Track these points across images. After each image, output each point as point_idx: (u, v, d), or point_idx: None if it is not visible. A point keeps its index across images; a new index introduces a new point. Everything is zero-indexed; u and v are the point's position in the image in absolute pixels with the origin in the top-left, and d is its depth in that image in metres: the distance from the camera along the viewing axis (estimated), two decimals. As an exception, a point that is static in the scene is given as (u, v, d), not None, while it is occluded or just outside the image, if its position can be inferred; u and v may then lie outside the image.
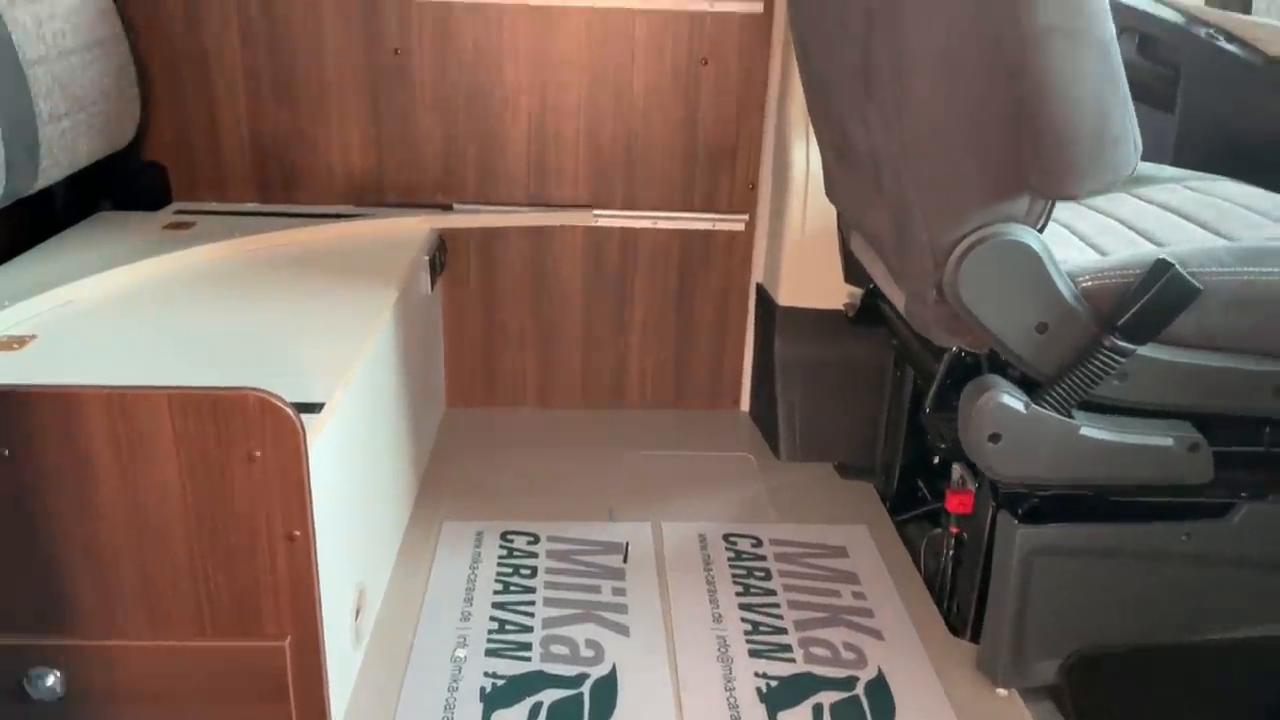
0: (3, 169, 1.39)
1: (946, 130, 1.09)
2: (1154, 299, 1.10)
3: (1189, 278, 1.09)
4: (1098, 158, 1.02)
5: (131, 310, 1.46)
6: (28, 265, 1.58)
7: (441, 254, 1.94)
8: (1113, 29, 0.99)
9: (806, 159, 1.85)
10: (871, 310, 1.70)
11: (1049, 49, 0.98)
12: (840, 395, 1.92)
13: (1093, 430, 1.17)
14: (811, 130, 1.64)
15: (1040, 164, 1.04)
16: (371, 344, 1.42)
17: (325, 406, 1.17)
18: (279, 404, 1.02)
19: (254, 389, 1.02)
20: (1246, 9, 1.93)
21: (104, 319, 1.42)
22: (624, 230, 2.03)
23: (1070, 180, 1.04)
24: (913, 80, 1.08)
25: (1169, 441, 1.19)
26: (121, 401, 1.01)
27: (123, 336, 1.37)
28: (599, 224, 2.02)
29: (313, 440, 1.07)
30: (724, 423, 2.12)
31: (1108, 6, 0.99)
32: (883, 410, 1.80)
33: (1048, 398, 1.16)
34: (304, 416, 1.06)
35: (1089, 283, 1.13)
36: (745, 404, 2.16)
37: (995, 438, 1.17)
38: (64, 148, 1.57)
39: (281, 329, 1.42)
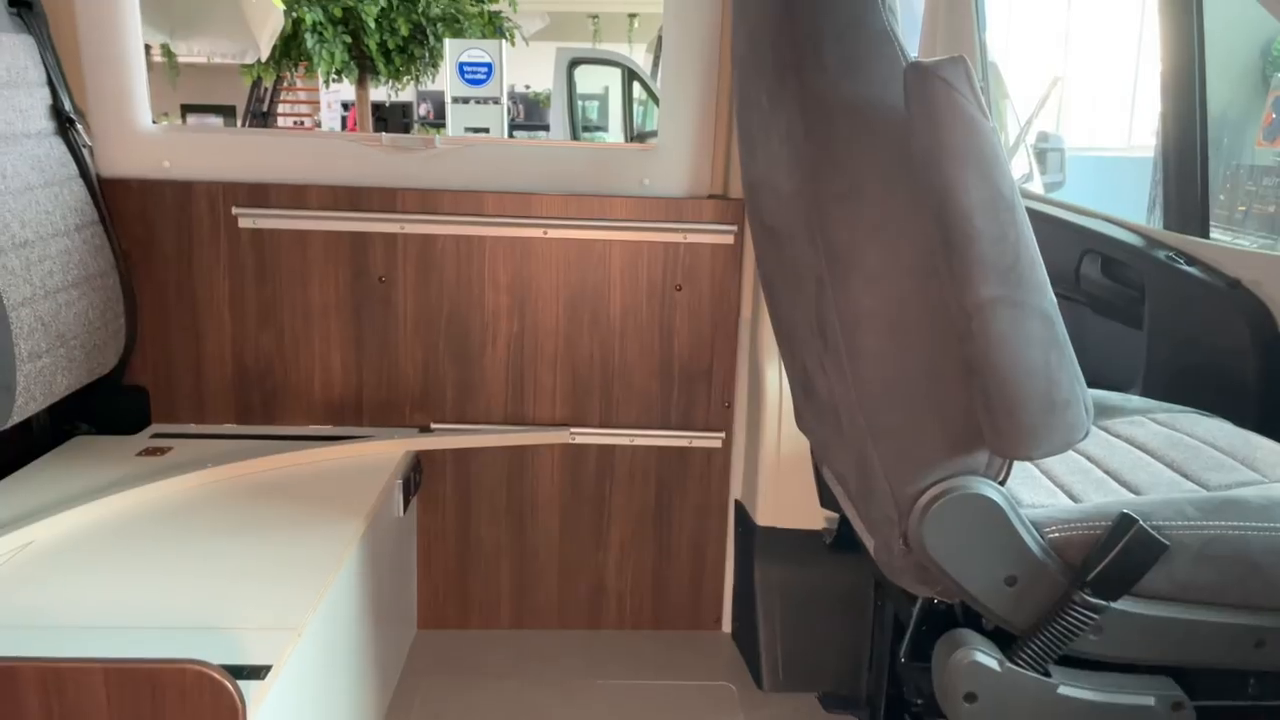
0: (-26, 411, 1.41)
1: (900, 387, 1.10)
2: (1121, 554, 1.08)
3: (1154, 533, 1.07)
4: (1048, 422, 1.02)
5: (89, 553, 1.43)
6: (-5, 499, 1.57)
7: (417, 475, 1.93)
8: (1054, 298, 1.02)
9: (780, 381, 1.87)
10: (850, 536, 1.67)
11: (993, 318, 1.01)
12: (824, 620, 1.86)
13: (1071, 689, 1.12)
14: (782, 354, 1.68)
15: (992, 425, 1.05)
16: (333, 580, 1.38)
17: (271, 670, 1.12)
18: (218, 676, 0.98)
19: (192, 662, 0.98)
20: (1204, 232, 2.01)
21: (60, 563, 1.39)
22: (601, 448, 2.03)
23: (1023, 443, 1.04)
24: (864, 340, 1.10)
25: (1151, 700, 1.14)
26: (56, 676, 0.97)
27: (75, 584, 1.33)
28: (576, 441, 2.02)
29: (254, 713, 1.02)
30: (705, 646, 2.05)
31: (1047, 278, 1.02)
32: (867, 638, 1.74)
33: (1023, 654, 1.11)
34: (248, 684, 1.01)
35: (1056, 534, 1.11)
36: (727, 624, 2.09)
37: (971, 697, 1.12)
38: (42, 384, 1.59)
39: (240, 570, 1.39)
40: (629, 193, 1.96)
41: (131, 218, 1.89)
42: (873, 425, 1.14)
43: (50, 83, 1.75)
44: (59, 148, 1.75)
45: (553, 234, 1.95)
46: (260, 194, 1.91)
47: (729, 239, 1.95)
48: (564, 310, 1.99)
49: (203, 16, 5.12)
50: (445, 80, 6.81)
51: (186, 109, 12.53)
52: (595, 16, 12.69)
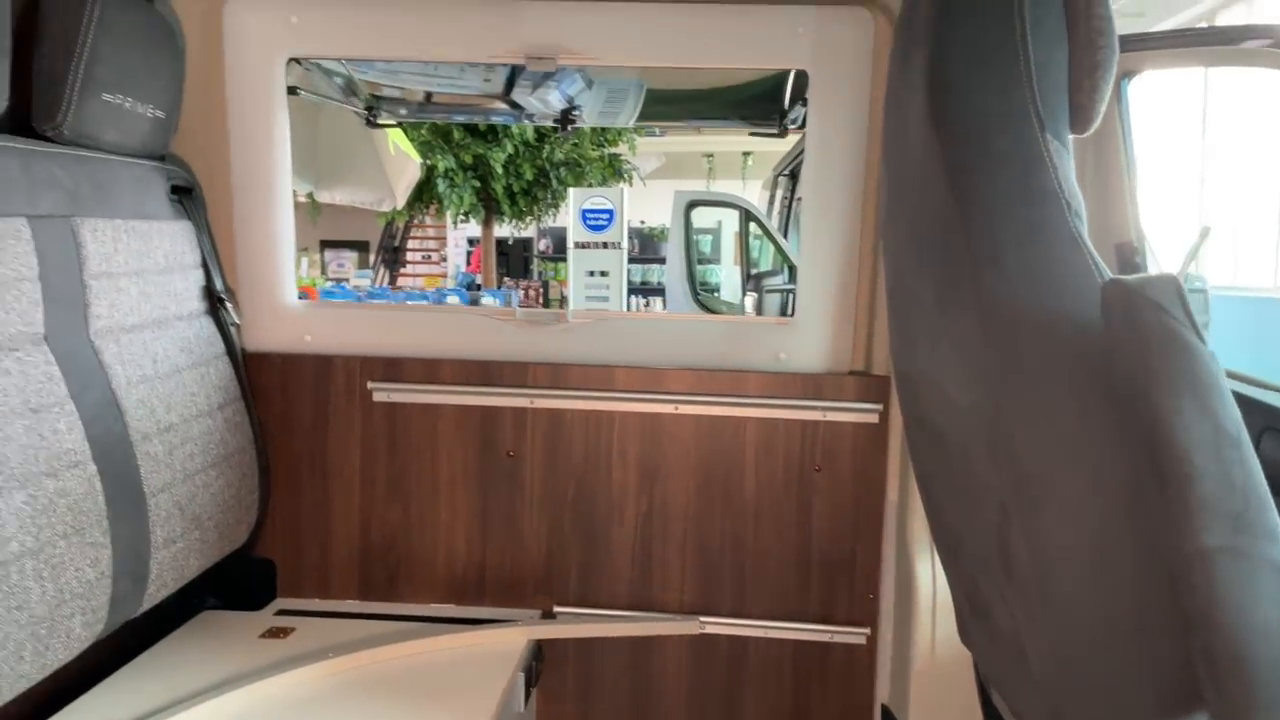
0: (107, 605, 1.39)
1: (1104, 637, 0.95)
2: None
3: None
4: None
5: None
6: (124, 684, 1.54)
7: (538, 664, 1.83)
8: (1290, 550, 0.87)
9: (933, 574, 1.72)
10: (1019, 765, 1.47)
11: (1217, 570, 0.86)
12: None
13: None
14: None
15: (1217, 690, 0.89)
16: None
17: None
18: None
19: None
20: None
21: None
22: (732, 639, 1.90)
23: (1251, 712, 0.87)
24: (1060, 582, 0.97)
25: None
26: None
27: None
28: (706, 631, 1.89)
29: None
30: None
31: (1279, 521, 0.88)
32: None
33: None
34: None
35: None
36: (873, 844, 1.88)
37: None
38: (174, 569, 1.58)
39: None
40: (764, 368, 1.88)
41: (272, 391, 1.92)
42: (1070, 677, 0.99)
43: (204, 264, 1.81)
44: (209, 327, 1.79)
45: (684, 410, 1.88)
46: (395, 368, 1.91)
47: (873, 418, 1.84)
48: (695, 489, 1.90)
49: (346, 169, 5.42)
50: (568, 225, 7.01)
51: (325, 244, 13.29)
52: (710, 155, 13.02)
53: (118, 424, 1.46)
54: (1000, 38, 1.04)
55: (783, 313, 5.26)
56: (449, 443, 1.92)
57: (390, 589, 1.95)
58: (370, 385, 1.91)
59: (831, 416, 1.85)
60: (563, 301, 11.87)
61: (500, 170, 9.11)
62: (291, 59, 1.90)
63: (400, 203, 6.55)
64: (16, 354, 1.29)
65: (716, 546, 1.90)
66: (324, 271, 13.00)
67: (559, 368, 1.90)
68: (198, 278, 1.79)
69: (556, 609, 1.92)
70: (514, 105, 2.67)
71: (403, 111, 2.74)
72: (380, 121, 2.76)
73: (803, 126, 2.07)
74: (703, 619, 1.89)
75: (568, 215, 7.59)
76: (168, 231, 1.70)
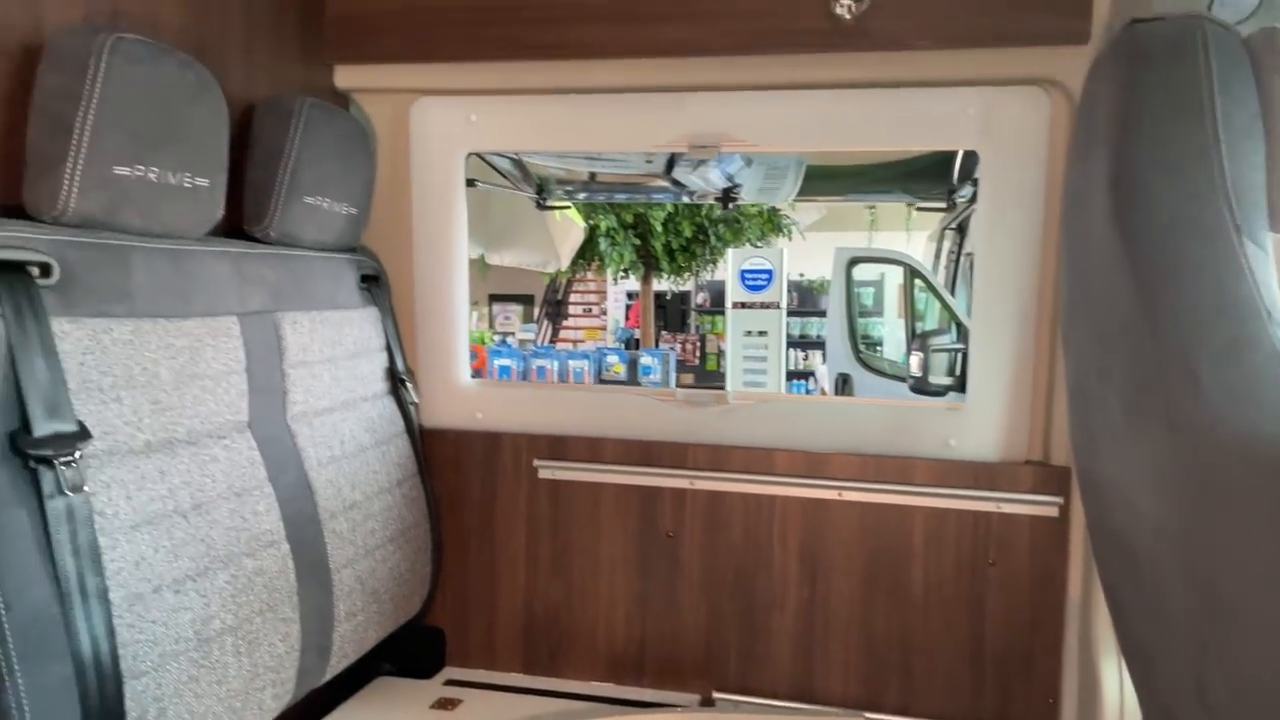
0: (295, 677, 1.48)
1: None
2: None
3: None
4: None
5: None
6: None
7: (698, 753, 1.81)
8: None
9: (1120, 683, 1.60)
10: None
11: None
12: None
13: None
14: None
15: None
16: None
17: None
18: None
19: None
20: None
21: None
22: (899, 737, 1.82)
23: None
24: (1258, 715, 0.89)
25: None
26: None
27: None
28: (872, 727, 1.83)
29: None
30: None
31: None
32: None
33: None
34: None
35: None
36: None
37: None
38: (354, 640, 1.66)
39: None
40: (933, 455, 1.82)
41: (445, 466, 2.01)
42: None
43: (388, 347, 1.93)
44: (390, 406, 1.90)
45: (848, 496, 1.84)
46: (559, 446, 1.96)
47: (1052, 511, 1.75)
48: (859, 578, 1.85)
49: (514, 235, 5.68)
50: (727, 283, 7.05)
51: (493, 298, 13.88)
52: (873, 207, 12.82)
53: (309, 504, 1.57)
54: (1190, 140, 0.99)
55: (950, 373, 5.08)
56: (610, 521, 1.96)
57: (552, 663, 1.98)
58: (536, 462, 1.97)
59: (1007, 509, 1.77)
60: (720, 357, 11.90)
61: (660, 228, 9.29)
62: (470, 153, 2.02)
63: (564, 264, 6.77)
64: (224, 441, 1.41)
65: (882, 639, 1.84)
66: (491, 325, 13.54)
67: (719, 449, 1.90)
68: (382, 360, 1.90)
69: (715, 694, 1.90)
70: (675, 183, 2.73)
71: (569, 191, 2.85)
72: (549, 204, 2.88)
73: (972, 201, 2.01)
74: (868, 715, 1.83)
75: (725, 269, 7.64)
76: (357, 318, 1.82)
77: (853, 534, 1.84)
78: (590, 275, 13.88)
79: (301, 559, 1.51)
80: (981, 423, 1.81)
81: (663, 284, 11.70)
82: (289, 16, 1.84)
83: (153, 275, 1.32)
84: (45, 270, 1.16)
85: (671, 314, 14.40)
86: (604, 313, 15.05)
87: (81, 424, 1.15)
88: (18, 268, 1.13)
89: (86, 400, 1.17)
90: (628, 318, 13.55)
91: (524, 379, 6.42)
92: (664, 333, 13.08)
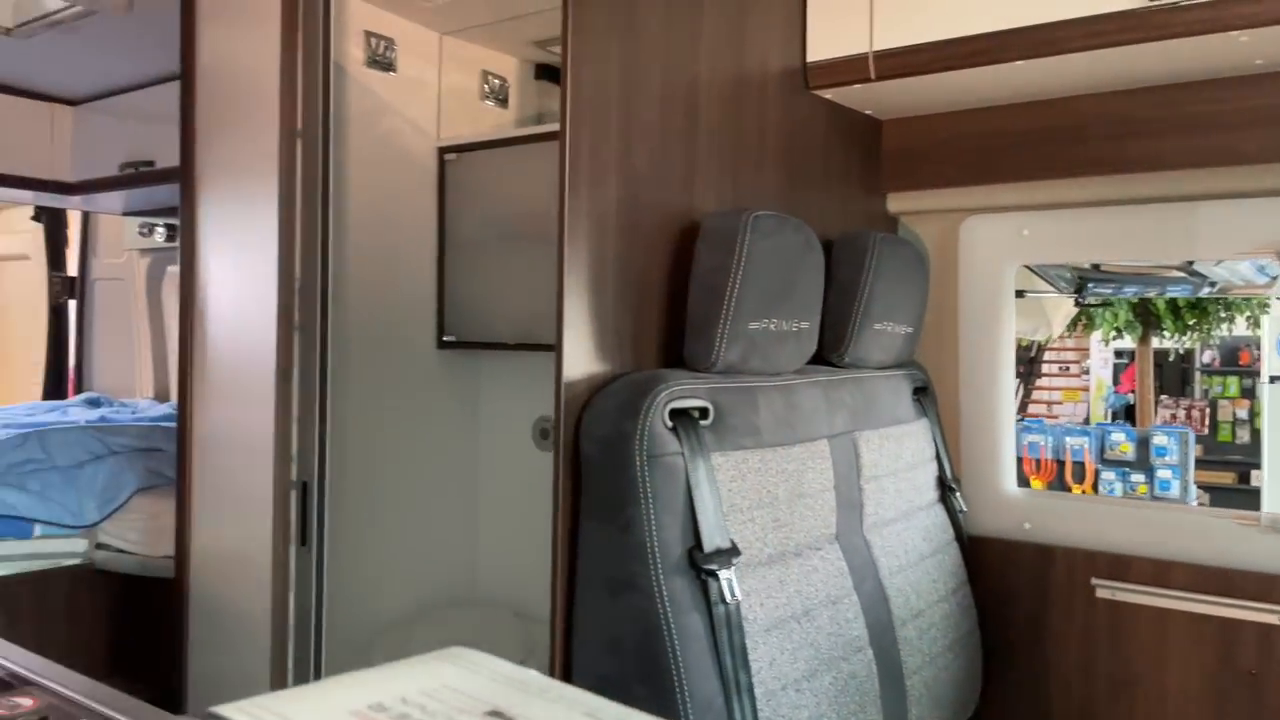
0: (877, 775, 1.61)
1: None
2: None
3: None
4: None
5: None
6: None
7: None
8: None
9: None
10: None
11: None
12: None
13: None
14: None
15: None
16: None
17: None
18: None
19: None
20: None
21: None
22: None
23: None
24: None
25: None
26: None
27: None
28: None
29: None
30: None
31: None
32: None
33: None
34: None
35: None
36: None
37: None
38: (921, 747, 1.76)
39: None
40: None
41: (991, 575, 2.04)
42: None
43: (938, 457, 2.02)
44: (941, 515, 1.99)
45: None
46: (1121, 566, 1.90)
47: None
48: None
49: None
50: (1263, 350, 6.15)
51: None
52: None
53: (884, 611, 1.71)
54: None
55: None
56: (1180, 651, 1.84)
57: None
58: (1094, 581, 1.92)
59: None
60: (1235, 425, 10.35)
61: (1163, 285, 8.39)
62: (1021, 265, 2.06)
63: (1057, 332, 6.41)
64: (820, 553, 1.59)
65: None
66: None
67: None
68: (933, 470, 2.00)
69: None
70: (1193, 274, 2.52)
71: (1103, 289, 2.75)
72: (1087, 303, 2.80)
73: None
74: None
75: (1265, 334, 6.68)
76: (912, 431, 1.94)
77: None
78: (1073, 335, 12.90)
79: (882, 664, 1.64)
80: None
81: (1164, 343, 10.51)
82: (854, 159, 2.05)
83: (771, 410, 1.55)
84: (704, 413, 1.43)
85: (1169, 374, 12.84)
86: (1084, 372, 13.85)
87: (733, 541, 1.39)
88: (688, 413, 1.41)
89: (733, 521, 1.42)
90: (1118, 381, 12.33)
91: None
92: (1162, 397, 11.70)
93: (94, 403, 3.63)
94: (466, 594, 2.50)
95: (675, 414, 1.38)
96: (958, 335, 2.11)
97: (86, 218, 4.05)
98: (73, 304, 4.08)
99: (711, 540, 1.36)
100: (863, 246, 1.81)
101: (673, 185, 1.59)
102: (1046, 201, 1.99)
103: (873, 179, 2.12)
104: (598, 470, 1.37)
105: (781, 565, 1.50)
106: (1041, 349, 13.80)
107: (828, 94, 1.93)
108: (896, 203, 2.15)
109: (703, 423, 1.43)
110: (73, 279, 4.06)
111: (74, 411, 3.38)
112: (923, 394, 2.05)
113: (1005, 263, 2.05)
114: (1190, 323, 9.06)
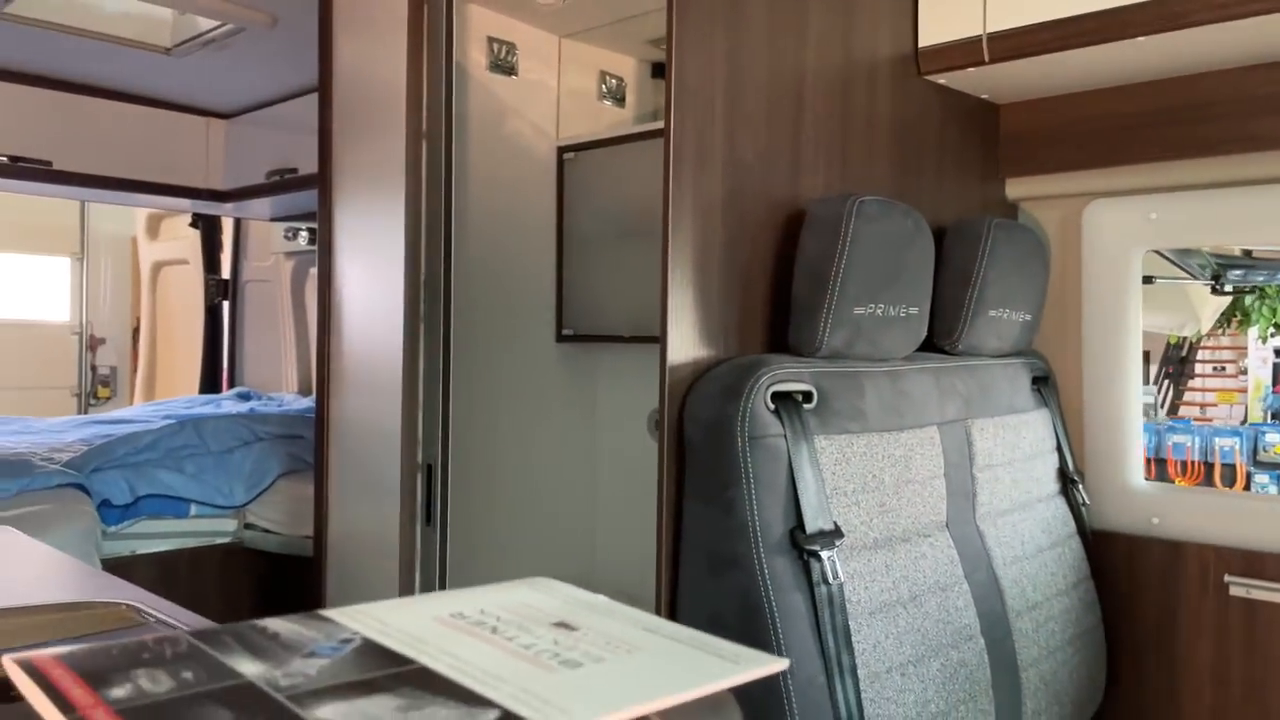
0: (989, 766, 1.58)
1: None
2: None
3: None
4: None
5: None
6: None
7: None
8: None
9: None
10: None
11: None
12: None
13: None
14: None
15: None
16: None
17: None
18: None
19: None
20: None
21: None
22: None
23: None
24: None
25: None
26: None
27: None
28: None
29: None
30: None
31: None
32: None
33: None
34: None
35: None
36: None
37: None
38: (1040, 740, 1.72)
39: None
40: None
41: (1116, 572, 1.97)
42: None
43: (1059, 448, 1.97)
44: (1062, 507, 1.93)
45: None
46: (1256, 563, 1.81)
47: None
48: None
49: (1146, 299, 5.24)
50: None
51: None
52: None
53: (998, 602, 1.68)
54: None
55: None
56: None
57: None
58: (1228, 578, 1.83)
59: None
60: None
61: (1328, 277, 7.80)
62: (1150, 250, 1.99)
63: (1205, 328, 6.04)
64: (929, 540, 1.58)
65: None
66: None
67: None
68: (1053, 461, 1.95)
69: None
70: None
71: (1239, 275, 2.61)
72: (1225, 289, 2.66)
73: None
74: None
75: None
76: (1030, 421, 1.90)
77: None
78: (1228, 331, 12.12)
79: (994, 655, 1.62)
80: None
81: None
82: (969, 144, 2.01)
83: (878, 395, 1.55)
84: (808, 397, 1.45)
85: (1340, 374, 11.90)
86: (1242, 372, 12.99)
87: (836, 524, 1.40)
88: (791, 396, 1.43)
89: (836, 504, 1.43)
90: (1277, 381, 11.50)
91: (1155, 455, 5.85)
92: (1330, 398, 10.86)
93: (244, 396, 3.90)
94: (583, 576, 2.57)
95: (778, 397, 1.41)
96: (1081, 324, 2.04)
97: (238, 224, 4.35)
98: (226, 305, 4.39)
99: (814, 521, 1.38)
100: (977, 232, 1.78)
101: (779, 175, 1.61)
102: (1174, 183, 1.91)
103: (991, 165, 2.08)
104: (701, 452, 1.41)
105: (888, 550, 1.50)
106: (1193, 347, 13.02)
107: (941, 79, 1.90)
108: (1016, 189, 2.10)
109: (806, 406, 1.44)
110: (226, 281, 4.38)
111: (226, 404, 3.65)
112: (1043, 383, 2.00)
113: (1132, 248, 1.98)
114: (1361, 317, 8.37)
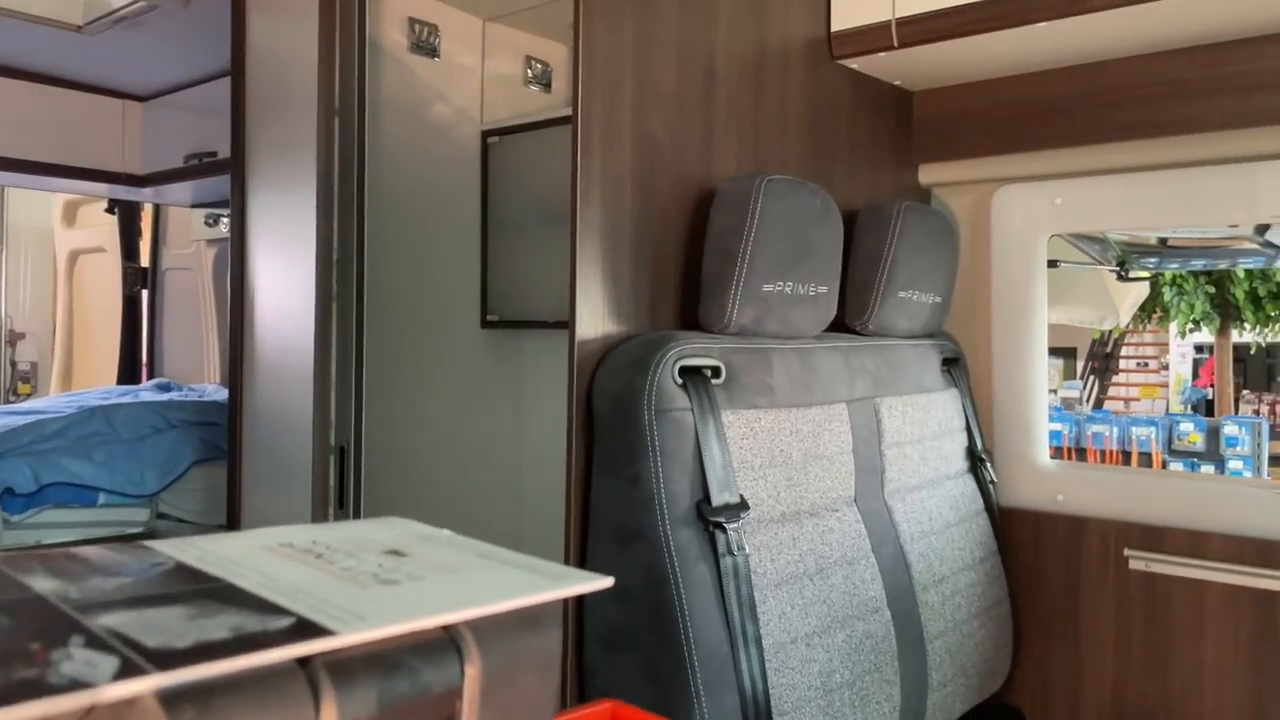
0: (898, 739, 1.61)
1: None
2: None
3: None
4: None
5: None
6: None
7: None
8: None
9: None
10: None
11: None
12: None
13: None
14: None
15: None
16: None
17: None
18: None
19: None
20: None
21: None
22: None
23: None
24: None
25: None
26: None
27: None
28: None
29: None
30: None
31: None
32: None
33: None
34: None
35: None
36: None
37: None
38: (944, 710, 1.75)
39: None
40: None
41: (1023, 547, 2.02)
42: None
43: (967, 427, 2.01)
44: (970, 485, 1.98)
45: None
46: (1154, 537, 1.87)
47: None
48: None
49: (1068, 291, 5.41)
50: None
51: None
52: None
53: (904, 575, 1.71)
54: None
55: None
56: (1217, 624, 1.80)
57: None
58: (1128, 552, 1.89)
59: None
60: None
61: (1241, 273, 8.10)
62: (1053, 235, 2.04)
63: (1124, 321, 6.24)
64: (837, 514, 1.61)
65: None
66: (1030, 382, 12.82)
67: None
68: (962, 440, 1.99)
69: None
70: (1268, 245, 2.44)
71: (1137, 257, 2.69)
72: (1131, 276, 2.74)
73: None
74: None
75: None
76: (939, 400, 1.94)
77: None
78: (1149, 328, 12.51)
79: (900, 626, 1.65)
80: None
81: (1245, 336, 10.13)
82: (882, 130, 2.05)
83: (787, 371, 1.57)
84: (716, 372, 1.46)
85: (1252, 370, 12.39)
86: (1164, 368, 13.44)
87: (742, 497, 1.42)
88: (699, 371, 1.43)
89: (744, 477, 1.44)
90: (1196, 375, 11.92)
91: (1076, 445, 6.02)
92: (1244, 392, 11.28)
93: (164, 388, 3.80)
94: (506, 565, 2.56)
95: (686, 371, 1.41)
96: (990, 307, 2.09)
97: (157, 210, 4.24)
98: (145, 294, 4.27)
99: (720, 495, 1.39)
100: (887, 214, 1.81)
101: (691, 152, 1.61)
102: (1081, 169, 1.96)
103: (904, 151, 2.12)
104: (609, 426, 1.41)
105: (795, 523, 1.51)
106: (1118, 343, 13.42)
107: (854, 64, 1.93)
108: (929, 174, 2.14)
109: (715, 381, 1.45)
110: (145, 269, 4.26)
111: (145, 396, 3.54)
112: (953, 364, 2.04)
113: (1037, 233, 2.03)
114: (1272, 314, 8.72)
